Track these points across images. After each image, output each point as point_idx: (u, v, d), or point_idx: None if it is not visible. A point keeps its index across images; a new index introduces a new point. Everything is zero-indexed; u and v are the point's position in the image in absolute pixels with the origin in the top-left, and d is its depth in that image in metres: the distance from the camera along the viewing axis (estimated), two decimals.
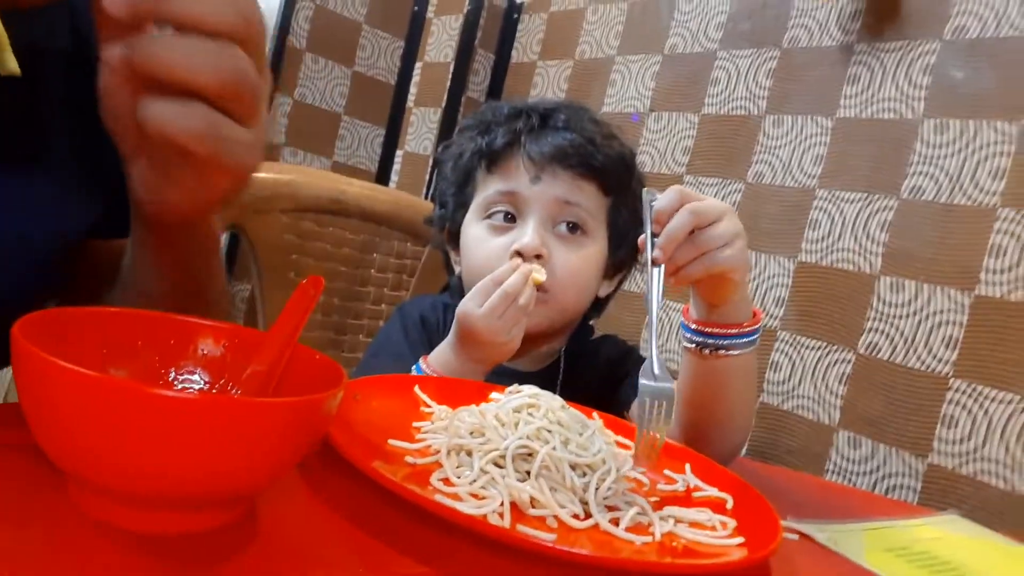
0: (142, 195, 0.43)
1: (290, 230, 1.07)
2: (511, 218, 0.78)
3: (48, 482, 0.33)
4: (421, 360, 0.73)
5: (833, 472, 1.04)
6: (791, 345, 1.11)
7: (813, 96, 1.18)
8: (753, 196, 1.21)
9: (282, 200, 1.05)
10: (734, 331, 0.66)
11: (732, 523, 0.48)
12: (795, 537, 0.52)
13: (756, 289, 1.17)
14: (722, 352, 0.66)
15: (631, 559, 0.40)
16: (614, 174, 0.79)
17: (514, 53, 1.72)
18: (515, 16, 1.72)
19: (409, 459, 0.46)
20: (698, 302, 0.67)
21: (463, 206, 0.82)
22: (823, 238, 1.12)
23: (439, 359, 0.72)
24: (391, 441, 0.48)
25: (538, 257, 0.75)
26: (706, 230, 0.61)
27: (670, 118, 1.36)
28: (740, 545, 0.44)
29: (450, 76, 1.70)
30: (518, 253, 0.75)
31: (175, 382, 0.41)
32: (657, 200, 0.63)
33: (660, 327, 1.29)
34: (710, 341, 0.66)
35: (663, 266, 0.62)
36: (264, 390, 0.40)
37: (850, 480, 1.03)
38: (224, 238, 1.45)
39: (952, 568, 0.53)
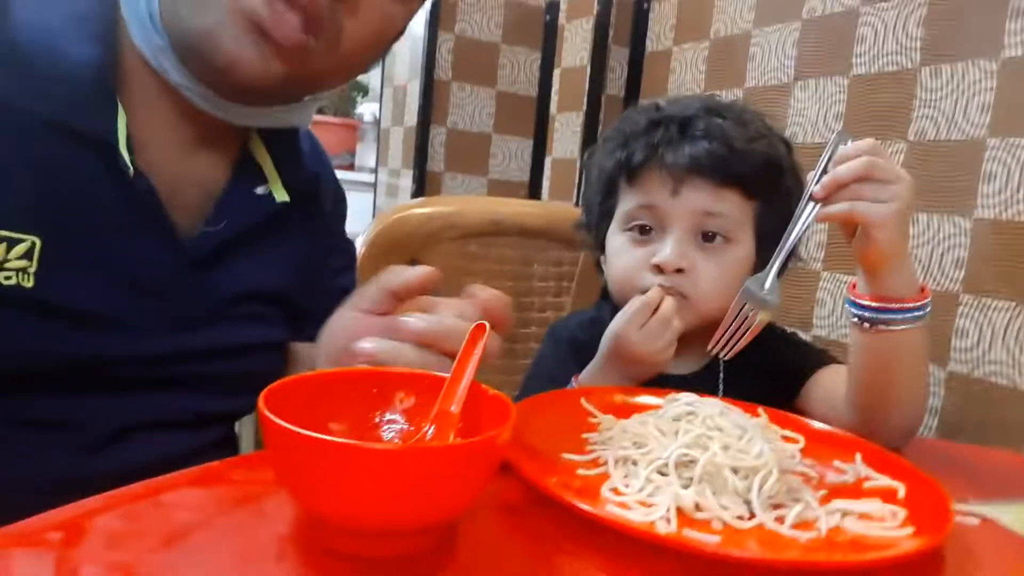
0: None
1: (458, 255, 1.17)
2: (648, 230, 0.80)
3: (295, 518, 0.42)
4: (573, 379, 0.78)
5: None
6: (976, 309, 1.04)
7: (974, 38, 1.08)
8: (918, 155, 1.14)
9: (448, 230, 1.15)
10: (895, 306, 0.65)
11: (903, 512, 0.48)
12: (975, 522, 0.51)
13: (931, 252, 1.10)
14: (882, 327, 0.66)
15: (792, 558, 0.43)
16: (757, 180, 0.78)
17: (648, 43, 1.72)
18: (645, 7, 1.72)
19: (581, 471, 0.52)
20: (860, 273, 0.67)
21: (608, 215, 0.85)
22: (999, 191, 1.03)
23: (591, 379, 0.76)
24: (564, 455, 0.54)
25: (679, 271, 0.77)
26: (870, 182, 0.62)
27: (817, 84, 1.31)
28: (910, 536, 0.45)
29: (587, 78, 1.74)
30: (658, 267, 0.77)
31: (381, 424, 0.49)
32: (848, 145, 0.64)
33: (830, 303, 1.25)
34: (869, 315, 0.66)
35: (818, 204, 0.64)
36: (452, 427, 0.47)
37: None
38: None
39: None
